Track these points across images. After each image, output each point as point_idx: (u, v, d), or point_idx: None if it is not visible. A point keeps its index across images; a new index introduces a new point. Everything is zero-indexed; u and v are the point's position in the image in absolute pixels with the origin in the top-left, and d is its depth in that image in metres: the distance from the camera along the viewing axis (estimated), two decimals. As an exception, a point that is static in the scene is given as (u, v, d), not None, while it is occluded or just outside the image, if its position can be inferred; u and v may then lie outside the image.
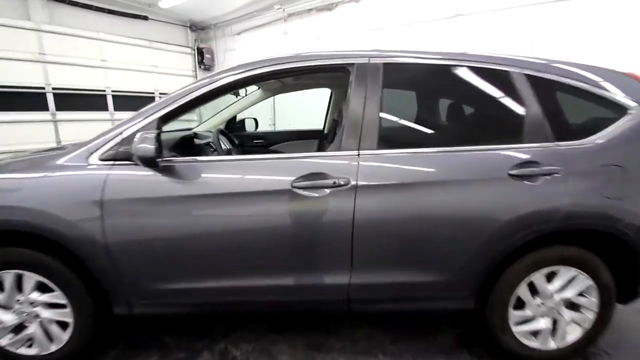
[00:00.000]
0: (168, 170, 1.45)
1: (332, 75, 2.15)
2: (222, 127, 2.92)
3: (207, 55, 7.59)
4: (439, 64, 1.61)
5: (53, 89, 5.56)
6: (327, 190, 1.44)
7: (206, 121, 2.98)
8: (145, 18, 6.85)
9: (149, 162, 1.38)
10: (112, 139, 1.49)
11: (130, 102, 6.38)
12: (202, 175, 1.48)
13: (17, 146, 4.94)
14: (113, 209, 1.42)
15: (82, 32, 5.86)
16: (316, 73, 1.83)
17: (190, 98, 1.55)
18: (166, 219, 1.44)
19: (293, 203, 1.45)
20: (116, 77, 6.32)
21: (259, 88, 2.89)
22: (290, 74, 1.72)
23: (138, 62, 6.66)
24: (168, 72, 7.13)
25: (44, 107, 5.51)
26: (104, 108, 6.22)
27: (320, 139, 3.01)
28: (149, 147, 1.33)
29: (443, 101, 1.84)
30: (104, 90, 6.21)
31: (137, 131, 1.45)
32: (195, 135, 2.32)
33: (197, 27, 7.65)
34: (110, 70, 6.25)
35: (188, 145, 2.05)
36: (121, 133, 1.50)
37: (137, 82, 6.63)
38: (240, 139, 2.97)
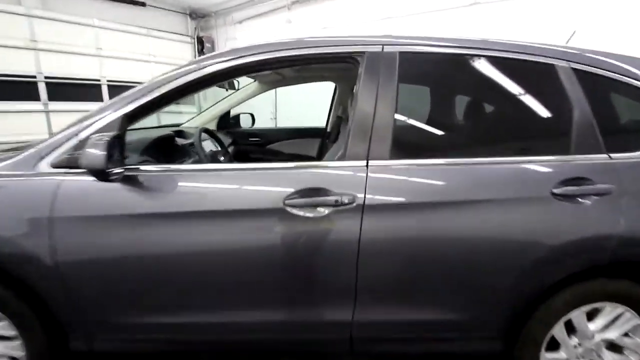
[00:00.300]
0: (132, 182, 1.20)
1: (337, 66, 1.87)
2: (214, 124, 2.63)
3: (207, 45, 7.35)
4: (469, 54, 1.33)
5: (45, 77, 5.33)
6: (328, 210, 1.19)
7: (197, 115, 2.70)
8: (143, 5, 6.64)
9: (98, 173, 1.11)
10: (66, 142, 1.24)
11: (126, 92, 6.14)
12: (174, 188, 1.23)
13: (5, 137, 4.74)
14: (64, 227, 1.18)
15: (76, 18, 5.61)
16: (321, 63, 1.55)
17: (167, 90, 1.28)
18: (130, 240, 1.20)
19: (286, 225, 1.20)
20: (112, 67, 6.07)
21: (255, 80, 2.60)
22: (291, 63, 1.44)
23: (135, 50, 6.42)
24: (166, 62, 6.86)
25: (35, 97, 5.28)
26: (99, 98, 5.99)
27: (322, 139, 2.74)
28: (96, 155, 1.05)
29: (473, 101, 1.53)
30: (99, 80, 5.98)
31: (97, 132, 1.19)
32: (180, 133, 2.04)
33: (197, 15, 7.39)
34: (106, 59, 6.01)
35: (167, 147, 1.78)
36: (77, 134, 1.23)
37: (133, 72, 6.36)
38: (234, 136, 2.70)
